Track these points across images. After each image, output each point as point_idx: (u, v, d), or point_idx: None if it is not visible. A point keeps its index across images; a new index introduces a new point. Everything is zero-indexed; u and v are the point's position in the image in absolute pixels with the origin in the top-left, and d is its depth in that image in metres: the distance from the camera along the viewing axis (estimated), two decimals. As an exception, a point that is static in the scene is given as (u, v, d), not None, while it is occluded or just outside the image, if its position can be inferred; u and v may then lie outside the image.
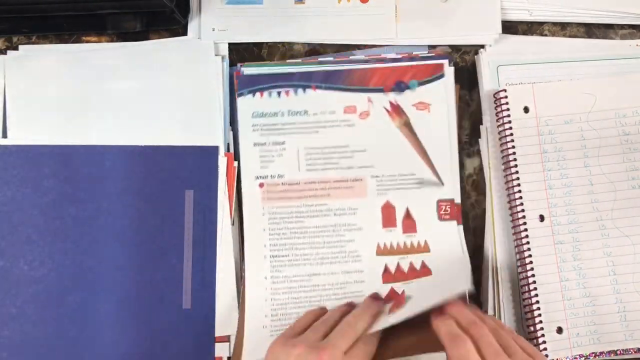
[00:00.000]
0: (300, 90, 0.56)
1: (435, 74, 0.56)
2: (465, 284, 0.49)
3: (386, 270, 0.54)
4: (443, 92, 0.56)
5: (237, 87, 0.56)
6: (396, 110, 0.55)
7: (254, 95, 0.56)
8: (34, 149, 0.56)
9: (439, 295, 0.46)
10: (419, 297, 0.52)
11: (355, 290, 0.54)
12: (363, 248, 0.55)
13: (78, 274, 0.55)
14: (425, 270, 0.54)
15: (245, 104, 0.56)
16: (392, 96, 0.56)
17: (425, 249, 0.55)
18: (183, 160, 0.56)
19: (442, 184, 0.56)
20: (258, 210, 0.55)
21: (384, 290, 0.54)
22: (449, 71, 0.56)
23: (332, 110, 0.56)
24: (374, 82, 0.56)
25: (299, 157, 0.55)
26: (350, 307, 0.50)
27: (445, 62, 0.57)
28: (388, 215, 0.55)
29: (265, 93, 0.56)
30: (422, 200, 0.55)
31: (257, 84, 0.56)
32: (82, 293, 0.55)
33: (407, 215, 0.55)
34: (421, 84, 0.56)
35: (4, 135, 0.57)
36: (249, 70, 0.57)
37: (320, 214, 0.55)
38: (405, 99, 0.56)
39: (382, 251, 0.55)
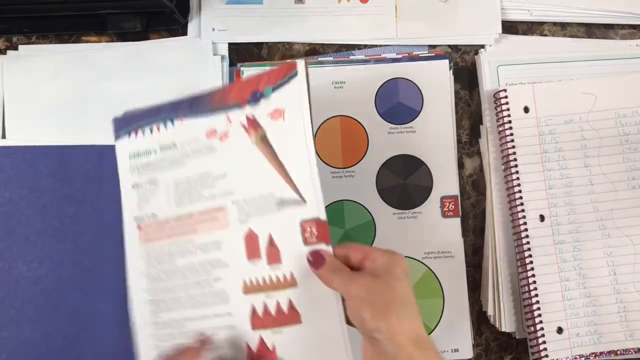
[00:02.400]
0: (169, 123, 0.50)
1: (287, 75, 0.46)
2: (341, 341, 0.43)
3: (254, 312, 0.46)
4: (297, 92, 0.46)
5: (114, 131, 0.52)
6: (252, 124, 0.47)
7: (129, 135, 0.51)
8: (31, 149, 0.56)
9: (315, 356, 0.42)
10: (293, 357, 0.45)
11: (228, 338, 0.47)
12: (230, 286, 0.47)
13: (76, 275, 0.55)
14: (293, 314, 0.45)
15: (123, 147, 0.52)
16: (249, 109, 0.47)
17: (292, 282, 0.45)
18: None
19: (304, 201, 0.45)
20: (137, 254, 0.50)
21: (254, 339, 0.46)
22: (302, 68, 0.46)
23: (196, 137, 0.49)
24: (232, 97, 0.48)
25: (169, 193, 0.50)
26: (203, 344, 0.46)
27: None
28: (252, 245, 0.47)
29: (140, 131, 0.51)
30: (284, 223, 0.46)
31: (132, 123, 0.51)
32: (81, 293, 0.55)
33: (270, 243, 0.46)
34: (275, 89, 0.46)
35: (3, 136, 0.57)
36: (248, 69, 0.57)
37: (188, 252, 0.48)
38: (261, 110, 0.47)
39: (248, 289, 0.46)
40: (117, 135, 0.52)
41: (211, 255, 0.48)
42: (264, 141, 0.47)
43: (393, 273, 0.41)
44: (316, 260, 0.43)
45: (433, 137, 0.58)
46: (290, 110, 0.46)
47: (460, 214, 0.57)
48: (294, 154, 0.46)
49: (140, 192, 0.51)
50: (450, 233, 0.57)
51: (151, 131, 0.50)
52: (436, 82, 0.58)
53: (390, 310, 0.39)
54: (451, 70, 0.58)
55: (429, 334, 0.55)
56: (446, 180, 0.58)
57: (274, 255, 0.46)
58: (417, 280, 0.57)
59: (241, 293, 0.46)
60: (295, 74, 0.46)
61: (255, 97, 0.47)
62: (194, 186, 0.49)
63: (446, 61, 0.58)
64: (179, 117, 0.50)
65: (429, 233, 0.57)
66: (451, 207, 0.57)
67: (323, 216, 0.45)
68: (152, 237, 0.50)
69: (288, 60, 0.54)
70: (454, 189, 0.58)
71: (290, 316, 0.45)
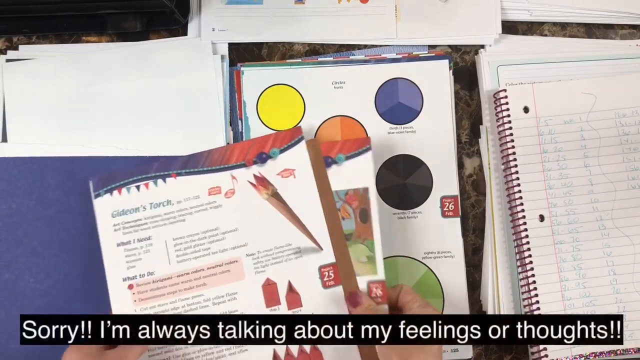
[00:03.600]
0: (160, 181, 0.52)
1: (294, 139, 0.54)
2: None
3: (275, 357, 0.51)
4: (304, 154, 0.53)
5: (93, 188, 0.53)
6: (261, 182, 0.53)
7: (111, 194, 0.52)
8: (38, 160, 0.56)
9: None
10: None
11: None
12: (249, 336, 0.48)
13: (84, 286, 0.55)
14: (316, 354, 0.51)
15: (103, 204, 0.52)
16: (255, 169, 0.53)
17: None
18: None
19: (321, 248, 0.52)
20: (130, 313, 0.51)
21: None
22: (300, 140, 0.54)
23: (196, 194, 0.52)
24: (235, 158, 0.53)
25: (168, 250, 0.52)
26: None
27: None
28: (270, 293, 0.52)
29: (124, 190, 0.52)
30: (303, 270, 0.52)
31: (113, 182, 0.52)
32: (88, 305, 0.54)
33: (290, 289, 0.52)
34: (282, 151, 0.54)
35: (4, 139, 0.57)
36: (248, 69, 0.58)
37: (198, 306, 0.51)
38: (269, 169, 0.53)
39: None
40: (97, 194, 0.52)
41: (226, 306, 0.51)
42: (275, 196, 0.53)
43: None
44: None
45: (433, 137, 0.58)
46: (301, 169, 0.53)
47: (460, 214, 0.57)
48: (308, 207, 0.53)
49: (128, 250, 0.52)
50: (450, 233, 0.57)
51: (138, 189, 0.52)
52: (436, 82, 0.58)
53: (414, 354, 0.46)
54: (451, 71, 0.58)
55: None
56: (446, 180, 0.58)
57: (294, 300, 0.52)
58: (417, 280, 0.57)
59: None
60: (301, 139, 0.54)
61: (262, 158, 0.53)
62: (200, 242, 0.52)
63: (446, 61, 0.58)
64: (171, 175, 0.53)
65: (429, 233, 0.57)
66: (451, 207, 0.57)
67: (331, 258, 0.52)
68: (150, 295, 0.51)
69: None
70: (453, 189, 0.58)
71: (312, 356, 0.51)
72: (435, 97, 0.58)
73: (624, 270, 0.55)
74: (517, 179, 0.56)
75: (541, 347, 0.54)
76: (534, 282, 0.55)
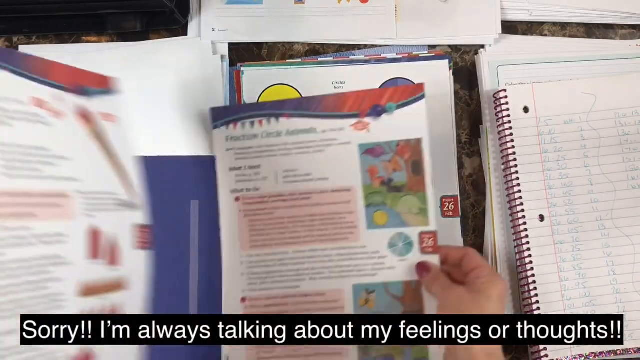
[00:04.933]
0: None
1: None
2: None
3: None
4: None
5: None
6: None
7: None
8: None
9: None
10: None
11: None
12: (67, 290, 0.40)
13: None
14: None
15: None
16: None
17: (126, 286, 0.45)
18: (188, 170, 0.56)
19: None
20: None
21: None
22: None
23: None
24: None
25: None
26: None
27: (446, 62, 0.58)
28: (95, 243, 0.43)
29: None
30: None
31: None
32: None
33: (115, 243, 0.44)
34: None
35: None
36: (248, 69, 0.58)
37: (23, 243, 0.37)
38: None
39: (84, 292, 0.42)
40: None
41: (52, 249, 0.39)
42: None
43: (487, 294, 0.45)
44: (421, 269, 0.50)
45: (433, 137, 0.58)
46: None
47: (460, 214, 0.57)
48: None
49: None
50: (449, 233, 0.57)
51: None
52: (436, 82, 0.58)
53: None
54: (451, 71, 0.58)
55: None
56: (446, 180, 0.58)
57: (114, 257, 0.44)
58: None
59: (76, 296, 0.41)
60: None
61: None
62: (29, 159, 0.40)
63: (446, 61, 0.58)
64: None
65: None
66: (451, 207, 0.57)
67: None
68: None
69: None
70: (453, 189, 0.58)
71: None
72: (435, 97, 0.58)
73: (624, 270, 0.55)
74: (517, 179, 0.56)
75: (541, 347, 0.54)
76: (534, 282, 0.55)
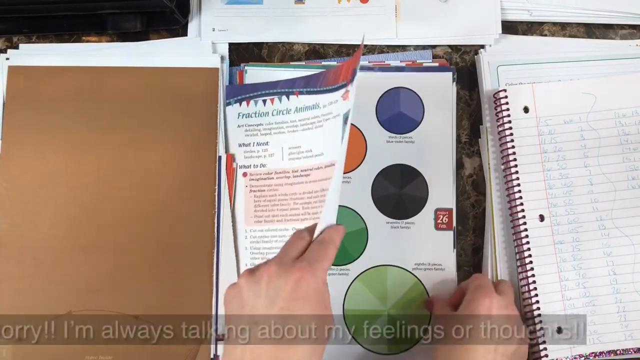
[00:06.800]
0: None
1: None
2: None
3: None
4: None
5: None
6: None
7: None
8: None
9: None
10: None
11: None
12: None
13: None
14: None
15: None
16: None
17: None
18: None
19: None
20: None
21: None
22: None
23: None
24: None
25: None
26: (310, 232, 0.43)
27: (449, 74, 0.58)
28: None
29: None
30: None
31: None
32: None
33: None
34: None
35: (3, 139, 0.57)
36: (252, 69, 0.58)
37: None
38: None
39: None
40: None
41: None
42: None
43: (470, 308, 0.49)
44: (429, 306, 0.55)
45: (431, 149, 0.58)
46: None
47: (454, 227, 0.57)
48: None
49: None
50: (442, 245, 0.57)
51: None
52: (439, 94, 0.58)
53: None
54: (454, 83, 0.58)
55: (415, 344, 0.55)
56: (442, 193, 0.57)
57: None
58: (405, 291, 0.56)
59: None
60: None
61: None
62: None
63: (450, 74, 0.58)
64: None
65: (421, 244, 0.57)
66: (445, 220, 0.57)
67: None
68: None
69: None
70: (449, 201, 0.57)
71: None
72: (437, 108, 0.58)
73: (624, 270, 0.55)
74: (517, 179, 0.56)
75: (541, 347, 0.54)
76: (534, 282, 0.55)
